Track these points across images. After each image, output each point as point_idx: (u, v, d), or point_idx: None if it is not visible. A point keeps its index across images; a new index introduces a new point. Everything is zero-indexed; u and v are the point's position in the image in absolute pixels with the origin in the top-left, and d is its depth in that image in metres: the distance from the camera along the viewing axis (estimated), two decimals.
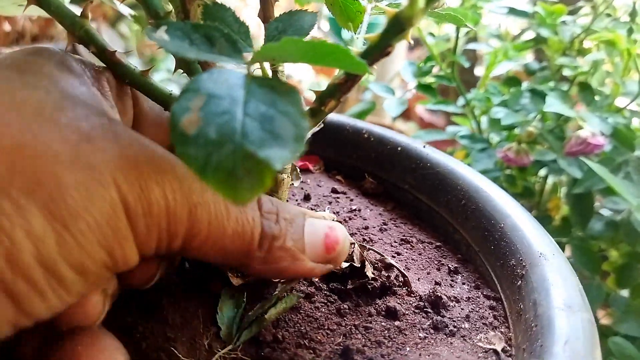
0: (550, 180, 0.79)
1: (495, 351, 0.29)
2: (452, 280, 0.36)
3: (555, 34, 0.68)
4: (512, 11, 0.62)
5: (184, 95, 0.19)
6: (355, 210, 0.45)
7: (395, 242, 0.41)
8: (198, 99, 0.20)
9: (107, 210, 0.20)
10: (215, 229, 0.23)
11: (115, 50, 0.29)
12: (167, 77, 1.60)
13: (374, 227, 0.42)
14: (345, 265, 0.34)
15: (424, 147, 0.46)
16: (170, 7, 0.34)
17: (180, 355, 0.26)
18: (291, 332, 0.29)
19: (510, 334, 0.31)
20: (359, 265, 0.34)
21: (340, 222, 0.42)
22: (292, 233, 0.25)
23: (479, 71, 1.24)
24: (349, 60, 0.22)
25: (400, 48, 1.83)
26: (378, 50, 0.24)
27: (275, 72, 0.32)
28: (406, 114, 1.96)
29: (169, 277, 0.31)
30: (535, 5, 0.71)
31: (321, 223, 0.27)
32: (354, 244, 0.36)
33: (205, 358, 0.27)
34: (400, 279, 0.34)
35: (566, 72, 0.64)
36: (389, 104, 0.64)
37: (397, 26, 0.23)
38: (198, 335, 0.28)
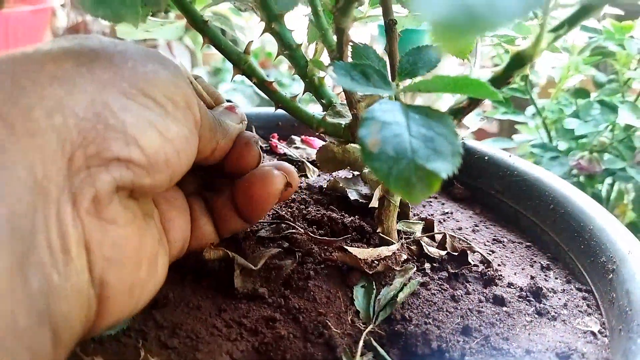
0: (616, 188, 0.82)
1: (592, 332, 0.34)
2: (545, 275, 0.41)
3: (622, 48, 0.72)
4: (584, 28, 0.66)
5: (366, 122, 0.26)
6: (447, 213, 0.50)
7: (488, 241, 0.46)
8: (375, 125, 0.26)
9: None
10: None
11: (272, 81, 0.35)
12: (232, 88, 1.70)
13: (467, 228, 0.48)
14: (443, 253, 0.40)
15: (510, 156, 0.51)
16: (299, 40, 0.41)
17: (332, 327, 0.33)
18: (416, 312, 0.35)
19: (603, 319, 0.35)
20: (456, 254, 0.40)
21: (435, 222, 0.47)
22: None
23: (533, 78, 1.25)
24: (485, 89, 0.28)
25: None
26: (502, 81, 0.30)
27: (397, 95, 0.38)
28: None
29: (309, 267, 0.37)
30: (602, 21, 0.74)
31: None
32: (445, 234, 0.41)
33: (350, 330, 0.33)
34: (486, 265, 0.40)
35: (636, 85, 0.68)
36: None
37: (519, 62, 0.29)
38: (342, 312, 0.34)
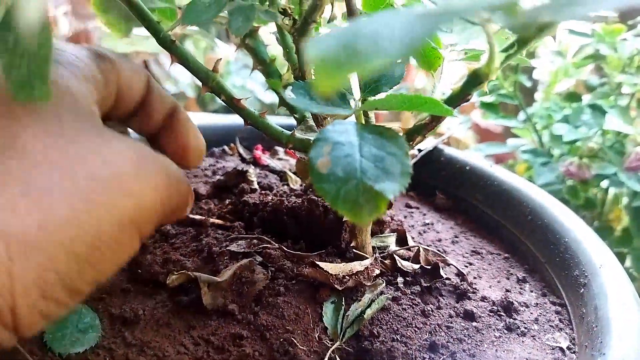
0: (611, 192, 0.81)
1: (561, 349, 0.34)
2: (521, 288, 0.41)
3: (614, 51, 0.71)
4: (572, 32, 0.66)
5: (317, 143, 0.26)
6: (428, 224, 0.50)
7: (466, 253, 0.46)
8: (327, 146, 0.26)
9: None
10: None
11: (240, 99, 0.36)
12: None
13: (447, 240, 0.47)
14: (416, 266, 0.40)
15: (491, 166, 0.51)
16: (273, 53, 0.41)
17: (298, 345, 0.33)
18: (384, 328, 0.35)
19: (574, 335, 0.35)
20: (429, 267, 0.40)
21: (415, 234, 0.47)
22: None
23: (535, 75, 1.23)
24: (438, 107, 0.28)
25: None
26: (459, 98, 0.30)
27: (366, 112, 0.38)
28: None
29: (280, 282, 0.37)
30: (594, 23, 0.74)
31: None
32: (419, 247, 0.41)
33: (317, 347, 0.33)
34: (461, 278, 0.40)
35: (625, 90, 0.67)
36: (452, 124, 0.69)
37: (476, 80, 0.29)
38: (310, 329, 0.34)
